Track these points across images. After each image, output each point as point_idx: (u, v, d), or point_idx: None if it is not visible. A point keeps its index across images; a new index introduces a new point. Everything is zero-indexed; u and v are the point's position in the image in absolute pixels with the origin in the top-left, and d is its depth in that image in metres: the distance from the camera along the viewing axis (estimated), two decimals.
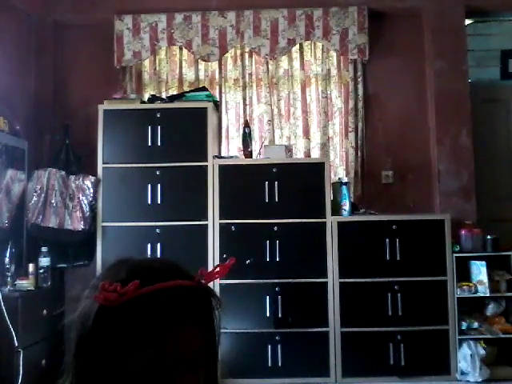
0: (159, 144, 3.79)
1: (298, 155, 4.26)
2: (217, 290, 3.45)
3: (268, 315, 3.66)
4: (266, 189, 3.71)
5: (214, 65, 4.36)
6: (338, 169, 4.29)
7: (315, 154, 4.27)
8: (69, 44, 4.39)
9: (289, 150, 3.97)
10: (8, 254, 3.40)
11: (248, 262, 3.67)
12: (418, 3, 4.25)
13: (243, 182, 3.77)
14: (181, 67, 4.37)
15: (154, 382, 0.67)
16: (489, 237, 3.76)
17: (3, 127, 3.63)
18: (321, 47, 4.33)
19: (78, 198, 3.78)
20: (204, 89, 4.07)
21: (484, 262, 3.66)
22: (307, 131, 4.30)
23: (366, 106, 4.29)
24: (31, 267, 3.45)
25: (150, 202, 3.74)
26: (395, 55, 4.30)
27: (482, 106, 4.37)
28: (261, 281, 3.69)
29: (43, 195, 3.74)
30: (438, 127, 4.15)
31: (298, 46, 4.29)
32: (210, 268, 0.78)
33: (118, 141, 3.83)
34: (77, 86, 4.35)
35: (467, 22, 4.31)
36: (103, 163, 3.82)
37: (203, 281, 0.75)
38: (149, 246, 3.69)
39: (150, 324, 0.67)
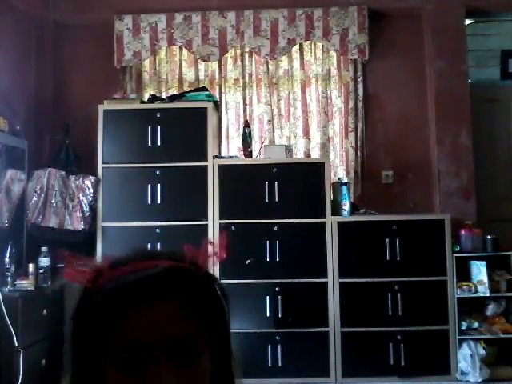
0: (159, 144, 3.79)
1: (298, 155, 4.26)
2: None
3: (268, 315, 3.66)
4: (266, 189, 3.71)
5: (214, 65, 4.36)
6: (338, 169, 4.29)
7: (315, 154, 4.27)
8: (69, 44, 4.39)
9: (289, 150, 3.97)
10: (8, 254, 3.39)
11: (248, 262, 3.67)
12: (417, 3, 4.25)
13: (243, 181, 3.77)
14: (181, 67, 4.37)
15: (130, 368, 0.62)
16: (489, 237, 3.76)
17: (3, 127, 3.63)
18: (321, 47, 4.33)
19: (78, 198, 3.78)
20: (204, 89, 4.06)
21: (484, 262, 3.66)
22: (307, 131, 4.30)
23: (365, 106, 4.29)
24: (31, 267, 3.44)
25: (149, 202, 3.74)
26: (395, 55, 4.30)
27: (482, 106, 4.37)
28: (261, 281, 3.69)
29: (43, 195, 3.74)
30: (437, 127, 4.15)
31: (297, 45, 4.29)
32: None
33: (117, 141, 3.83)
34: (77, 86, 4.34)
35: (467, 21, 4.31)
36: (103, 163, 3.82)
37: (199, 263, 0.69)
38: (149, 246, 3.69)
39: (121, 302, 0.64)
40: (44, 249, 3.55)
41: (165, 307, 0.63)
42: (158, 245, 3.69)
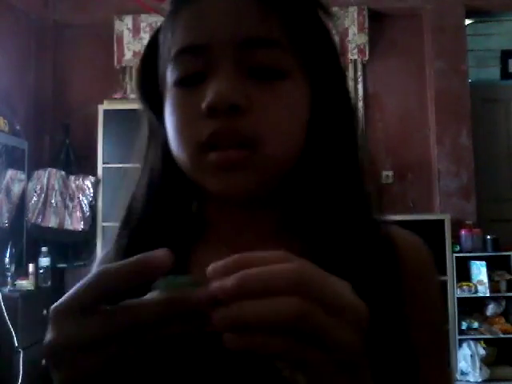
0: None
1: None
2: None
3: None
4: None
5: None
6: None
7: None
8: (69, 44, 4.38)
9: None
10: (8, 254, 3.40)
11: None
12: (417, 3, 4.25)
13: None
14: None
15: (187, 81, 0.50)
16: (489, 237, 3.76)
17: (3, 127, 3.63)
18: None
19: (78, 198, 3.78)
20: None
21: (484, 262, 3.66)
22: None
23: (366, 106, 4.29)
24: (31, 267, 3.44)
25: None
26: (395, 55, 4.30)
27: (482, 106, 4.37)
28: None
29: (43, 195, 3.74)
30: (437, 127, 4.14)
31: None
32: None
33: (117, 141, 3.83)
34: (77, 86, 4.34)
35: (467, 21, 4.31)
36: (103, 163, 3.81)
37: None
38: None
39: None
40: (44, 249, 3.55)
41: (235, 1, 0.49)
42: None
